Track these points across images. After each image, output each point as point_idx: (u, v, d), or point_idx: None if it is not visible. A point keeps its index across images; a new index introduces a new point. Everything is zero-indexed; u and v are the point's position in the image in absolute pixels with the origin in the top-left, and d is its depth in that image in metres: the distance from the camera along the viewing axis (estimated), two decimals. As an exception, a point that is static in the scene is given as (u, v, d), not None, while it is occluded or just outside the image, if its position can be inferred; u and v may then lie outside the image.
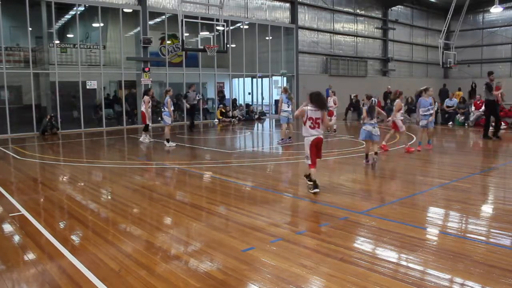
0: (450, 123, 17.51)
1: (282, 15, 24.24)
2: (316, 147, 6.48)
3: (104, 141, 14.78)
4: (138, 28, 19.02)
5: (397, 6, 31.04)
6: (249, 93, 24.66)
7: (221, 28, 17.59)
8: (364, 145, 9.07)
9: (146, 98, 13.40)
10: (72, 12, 18.76)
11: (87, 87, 17.75)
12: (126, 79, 19.31)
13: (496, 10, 26.78)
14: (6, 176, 8.46)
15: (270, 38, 23.37)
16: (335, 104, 14.89)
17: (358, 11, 28.60)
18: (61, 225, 5.36)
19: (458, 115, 17.54)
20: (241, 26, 22.52)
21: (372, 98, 8.56)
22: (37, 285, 3.68)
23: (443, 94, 22.57)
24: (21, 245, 4.64)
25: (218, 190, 7.31)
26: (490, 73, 12.86)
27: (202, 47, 16.90)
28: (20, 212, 5.79)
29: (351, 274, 3.69)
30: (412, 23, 32.83)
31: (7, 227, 5.26)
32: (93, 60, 18.80)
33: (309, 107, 6.41)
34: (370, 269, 3.79)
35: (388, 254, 4.17)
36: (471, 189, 6.89)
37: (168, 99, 12.18)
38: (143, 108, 13.51)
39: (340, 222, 5.18)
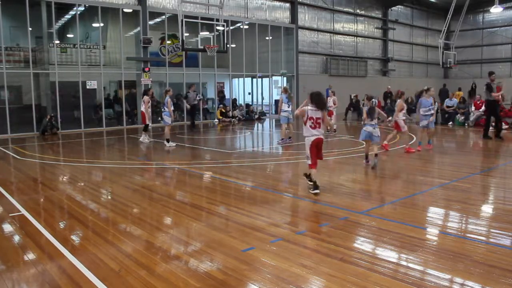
0: (450, 123, 17.51)
1: (282, 15, 24.24)
2: (317, 147, 6.47)
3: (104, 141, 14.78)
4: (138, 28, 19.02)
5: (397, 6, 31.04)
6: (249, 93, 24.66)
7: (221, 28, 17.59)
8: (364, 145, 9.06)
9: (146, 98, 13.41)
10: (72, 12, 18.76)
11: (87, 87, 17.75)
12: (126, 79, 19.31)
13: (496, 10, 26.78)
14: (6, 176, 8.46)
15: (270, 38, 23.36)
16: (334, 104, 14.89)
17: (358, 11, 28.60)
18: (61, 225, 5.36)
19: (458, 115, 17.54)
20: (241, 26, 22.52)
21: (373, 99, 8.55)
22: (37, 285, 3.68)
23: (443, 94, 22.59)
24: (21, 245, 4.64)
25: (218, 190, 7.31)
26: (490, 73, 12.84)
27: (202, 47, 16.90)
28: (20, 212, 5.79)
29: (351, 274, 3.69)
30: (412, 23, 32.83)
31: (7, 227, 5.26)
32: (93, 60, 18.80)
33: (309, 107, 6.41)
34: (370, 269, 3.79)
35: (388, 254, 4.17)
36: (471, 189, 6.89)
37: (168, 99, 12.18)
38: (142, 108, 13.52)
39: (340, 222, 5.18)
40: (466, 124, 16.96)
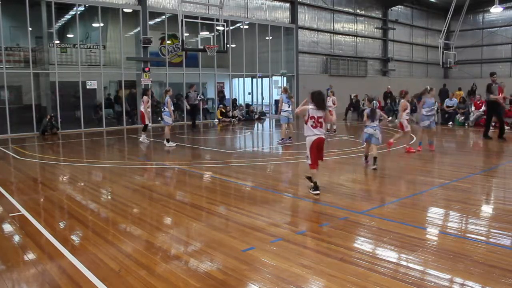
0: (450, 123, 17.51)
1: (282, 15, 24.24)
2: (318, 147, 6.43)
3: (104, 141, 14.78)
4: (138, 28, 19.02)
5: (397, 6, 31.05)
6: (249, 93, 24.66)
7: (221, 28, 17.59)
8: (365, 146, 9.05)
9: (145, 98, 13.41)
10: (72, 12, 18.75)
11: (87, 87, 17.75)
12: (126, 79, 19.31)
13: (496, 10, 26.78)
14: (6, 176, 8.46)
15: (270, 38, 23.36)
16: (334, 104, 14.88)
17: (358, 11, 28.61)
18: (61, 225, 5.36)
19: (458, 115, 17.54)
20: (241, 26, 22.52)
21: (374, 101, 8.52)
22: (37, 285, 3.68)
23: (443, 94, 22.57)
24: (21, 245, 4.64)
25: (218, 190, 7.31)
26: (492, 74, 12.78)
27: (202, 47, 16.90)
28: (20, 212, 5.79)
29: (351, 274, 3.69)
30: (412, 23, 32.83)
31: (7, 227, 5.26)
32: (93, 60, 18.80)
33: (310, 106, 6.41)
34: (370, 269, 3.79)
35: (388, 254, 4.17)
36: (471, 189, 6.89)
37: (168, 99, 12.18)
38: (142, 108, 13.54)
39: (340, 222, 5.18)
40: (466, 124, 16.95)
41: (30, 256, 4.31)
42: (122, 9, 18.38)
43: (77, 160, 10.23)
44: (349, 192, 6.82)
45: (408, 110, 10.47)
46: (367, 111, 8.54)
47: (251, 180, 7.87)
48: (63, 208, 6.17)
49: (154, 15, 19.88)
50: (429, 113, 10.51)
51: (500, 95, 12.70)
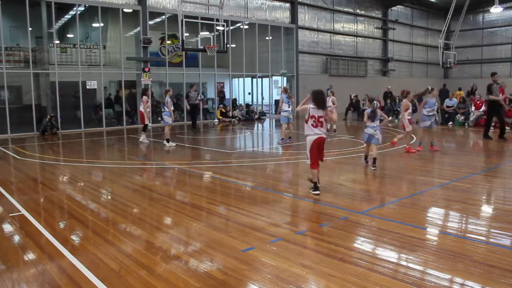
0: (450, 123, 17.51)
1: (282, 15, 24.24)
2: (318, 147, 6.41)
3: (104, 141, 14.78)
4: (138, 28, 19.02)
5: (397, 6, 31.05)
6: (249, 93, 24.67)
7: (221, 28, 17.59)
8: (365, 146, 9.04)
9: (145, 98, 13.43)
10: (72, 12, 18.75)
11: (87, 87, 17.75)
12: (126, 79, 19.31)
13: (496, 10, 26.79)
14: (6, 176, 8.46)
15: (270, 38, 23.36)
16: (333, 104, 14.87)
17: (358, 11, 28.61)
18: (61, 225, 5.36)
19: (458, 115, 17.54)
20: (241, 26, 22.52)
21: (374, 101, 8.50)
22: (37, 285, 3.68)
23: (443, 94, 22.56)
24: (21, 245, 4.64)
25: (218, 190, 7.31)
26: (493, 74, 12.74)
27: (202, 47, 16.90)
28: (20, 212, 5.79)
29: (351, 274, 3.69)
30: (412, 23, 32.84)
31: (7, 227, 5.26)
32: (93, 60, 18.80)
33: (311, 105, 6.40)
34: (370, 269, 3.79)
35: (388, 254, 4.17)
36: (471, 189, 6.89)
37: (168, 99, 12.18)
38: (141, 108, 13.54)
39: (340, 222, 5.18)
40: (466, 124, 16.95)
41: (30, 256, 4.31)
42: (122, 9, 18.38)
43: (77, 160, 10.23)
44: (349, 192, 6.82)
45: (410, 110, 10.44)
46: (367, 111, 8.51)
47: (251, 180, 7.87)
48: (63, 208, 6.17)
49: (154, 15, 19.89)
50: (430, 113, 10.49)
51: (502, 95, 12.65)
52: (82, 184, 7.75)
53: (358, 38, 28.87)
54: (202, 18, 19.44)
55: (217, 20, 17.75)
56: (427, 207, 5.93)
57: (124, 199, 6.55)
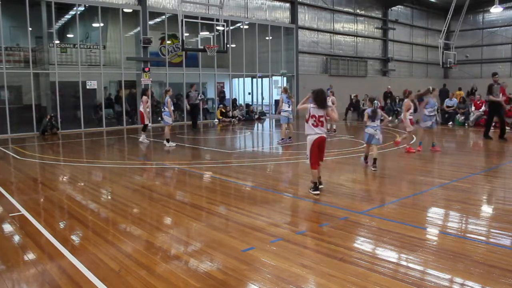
0: (450, 123, 17.51)
1: (282, 15, 24.24)
2: (319, 147, 6.39)
3: (104, 141, 14.78)
4: (138, 28, 19.02)
5: (397, 6, 31.04)
6: (249, 93, 24.67)
7: (221, 28, 17.59)
8: (365, 146, 9.04)
9: (144, 98, 13.43)
10: (72, 12, 18.75)
11: (87, 87, 17.75)
12: (126, 79, 19.31)
13: (496, 10, 26.78)
14: (6, 176, 8.46)
15: (270, 38, 23.36)
16: (333, 104, 14.87)
17: (358, 11, 28.60)
18: (61, 225, 5.36)
19: (458, 115, 17.54)
20: (241, 26, 22.52)
21: (375, 101, 8.48)
22: (37, 285, 3.68)
23: (443, 94, 22.56)
24: (21, 245, 4.64)
25: (218, 190, 7.31)
26: (494, 74, 12.71)
27: (202, 47, 16.90)
28: (20, 212, 5.79)
29: (351, 274, 3.69)
30: (412, 23, 32.83)
31: (7, 227, 5.26)
32: (93, 60, 18.80)
33: (312, 105, 6.39)
34: (370, 269, 3.79)
35: (388, 254, 4.17)
36: (471, 189, 6.89)
37: (168, 99, 12.18)
38: (141, 108, 13.54)
39: (340, 222, 5.18)
40: (466, 124, 16.96)
41: (30, 256, 4.31)
42: (122, 9, 18.38)
43: (77, 160, 10.23)
44: (349, 192, 6.82)
45: (411, 110, 10.43)
46: (367, 111, 8.48)
47: (251, 180, 7.87)
48: (63, 208, 6.17)
49: (154, 15, 19.88)
50: (431, 114, 10.47)
51: (504, 95, 12.60)
52: (82, 184, 7.75)
53: (358, 38, 28.86)
54: (202, 18, 19.44)
55: (217, 20, 17.75)
56: (427, 207, 5.93)
57: (124, 199, 6.55)
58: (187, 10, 19.09)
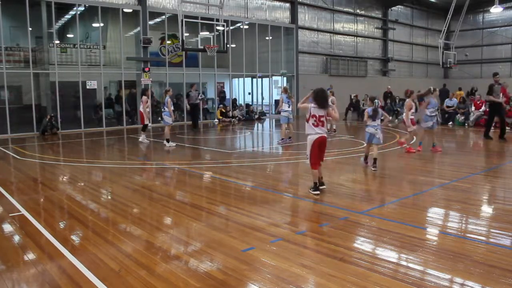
0: (450, 123, 17.51)
1: (282, 15, 24.24)
2: (319, 147, 6.38)
3: (104, 141, 14.78)
4: (138, 28, 19.02)
5: (397, 6, 31.05)
6: (249, 93, 24.67)
7: (221, 28, 17.59)
8: (365, 146, 9.03)
9: (144, 98, 13.43)
10: (72, 12, 18.75)
11: (87, 87, 17.75)
12: (126, 79, 19.31)
13: (496, 10, 26.78)
14: (6, 176, 8.46)
15: (270, 38, 23.36)
16: (333, 103, 14.86)
17: (358, 11, 28.60)
18: (61, 225, 5.36)
19: (458, 115, 17.54)
20: (241, 26, 22.52)
21: (376, 100, 8.46)
22: (37, 285, 3.68)
23: (443, 94, 22.55)
24: (21, 245, 4.64)
25: (218, 190, 7.31)
26: (495, 74, 12.69)
27: (202, 47, 16.90)
28: (20, 212, 5.79)
29: (351, 274, 3.69)
30: (412, 23, 32.83)
31: (7, 227, 5.26)
32: (93, 60, 18.80)
33: (312, 105, 6.38)
34: (370, 269, 3.79)
35: (388, 254, 4.17)
36: (471, 189, 6.89)
37: (168, 99, 12.18)
38: (141, 108, 13.54)
39: (340, 222, 5.18)
40: (466, 124, 16.96)
41: (30, 256, 4.31)
42: (122, 9, 18.38)
43: (77, 160, 10.23)
44: (349, 192, 6.82)
45: (413, 110, 10.41)
46: (368, 110, 8.46)
47: (251, 180, 7.86)
48: (63, 208, 6.17)
49: (154, 15, 19.88)
50: (432, 114, 10.46)
51: (505, 95, 12.56)
52: (82, 184, 7.75)
53: (358, 38, 28.86)
54: (202, 18, 19.44)
55: (217, 20, 17.75)
56: (427, 207, 5.93)
57: (124, 199, 6.55)
58: (187, 10, 19.09)
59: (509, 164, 9.38)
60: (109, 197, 6.89)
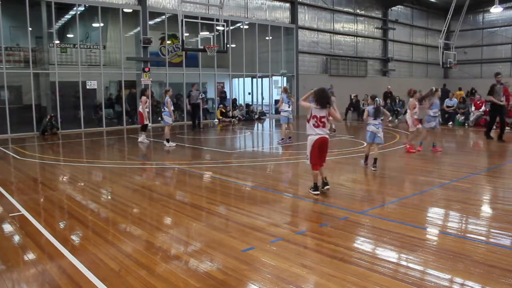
0: (450, 123, 17.50)
1: (282, 15, 24.23)
2: (319, 148, 6.34)
3: (104, 141, 14.78)
4: (138, 28, 19.01)
5: (397, 6, 31.04)
6: (249, 93, 24.67)
7: (221, 28, 17.59)
8: (365, 145, 9.02)
9: (144, 98, 13.42)
10: (72, 12, 18.75)
11: (87, 87, 17.75)
12: (126, 79, 19.31)
13: (496, 10, 26.78)
14: (6, 176, 8.46)
15: (270, 38, 23.36)
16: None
17: (358, 11, 28.60)
18: (61, 225, 5.36)
19: (458, 115, 17.54)
20: (241, 26, 22.52)
21: (377, 98, 8.43)
22: (37, 285, 3.68)
23: (443, 94, 22.50)
24: (21, 245, 4.64)
25: (218, 190, 7.31)
26: (497, 74, 12.62)
27: (202, 47, 16.90)
28: (20, 212, 5.79)
29: (351, 274, 3.69)
30: (412, 23, 32.83)
31: (7, 227, 5.26)
32: (93, 60, 18.80)
33: (313, 105, 6.35)
34: (370, 269, 3.79)
35: (388, 254, 4.17)
36: (471, 189, 6.89)
37: (168, 99, 12.18)
38: (140, 108, 13.54)
39: (340, 222, 5.18)
40: (466, 124, 16.95)
41: (30, 256, 4.31)
42: (122, 9, 18.38)
43: (77, 160, 10.23)
44: (349, 192, 6.82)
45: (416, 110, 10.39)
46: (369, 108, 8.42)
47: (251, 180, 7.86)
48: (63, 208, 6.17)
49: (154, 15, 19.88)
50: (435, 114, 10.44)
51: (507, 95, 12.52)
52: (82, 184, 7.75)
53: (358, 38, 28.85)
54: (202, 18, 19.43)
55: (217, 20, 17.74)
56: (427, 207, 5.93)
57: (124, 199, 6.55)
58: (187, 10, 19.09)
59: (509, 164, 9.38)
60: (109, 197, 6.89)
